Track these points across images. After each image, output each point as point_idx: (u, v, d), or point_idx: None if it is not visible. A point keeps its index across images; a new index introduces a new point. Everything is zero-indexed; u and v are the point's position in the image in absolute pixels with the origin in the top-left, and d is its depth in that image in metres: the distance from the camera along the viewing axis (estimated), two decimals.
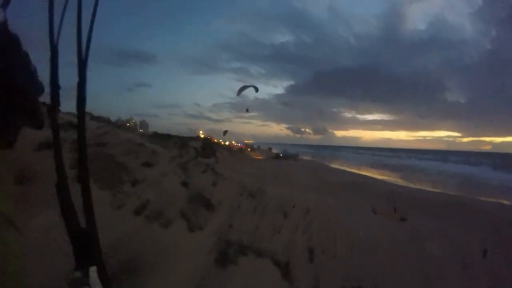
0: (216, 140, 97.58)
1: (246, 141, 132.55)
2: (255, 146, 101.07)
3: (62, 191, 1.03)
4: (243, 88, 31.06)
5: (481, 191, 29.78)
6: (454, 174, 45.41)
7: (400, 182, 35.58)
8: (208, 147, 31.50)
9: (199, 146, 29.10)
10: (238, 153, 50.99)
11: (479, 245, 13.76)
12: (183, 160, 13.58)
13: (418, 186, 30.85)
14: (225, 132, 53.38)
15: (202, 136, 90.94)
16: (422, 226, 17.24)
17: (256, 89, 31.39)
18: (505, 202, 23.03)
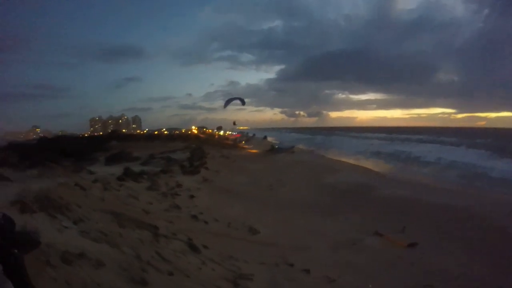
0: (210, 131, 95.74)
1: (240, 128, 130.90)
2: (250, 135, 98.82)
3: None
4: (230, 100, 29.12)
5: (484, 193, 27.64)
6: (453, 164, 43.33)
7: (400, 177, 33.73)
8: (196, 157, 28.93)
9: (187, 158, 26.55)
10: (232, 151, 48.23)
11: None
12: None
13: (420, 190, 28.33)
14: (234, 122, 53.14)
15: (195, 131, 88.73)
16: (433, 257, 15.20)
17: (243, 102, 29.51)
18: None
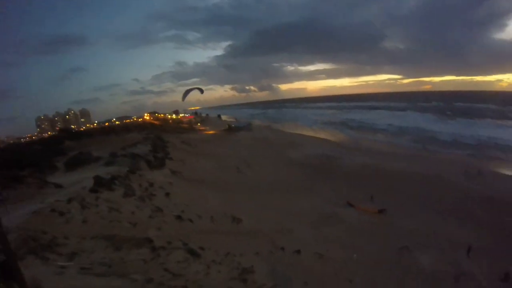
0: (162, 115, 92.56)
1: (192, 108, 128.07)
2: (204, 115, 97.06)
3: None
4: (187, 92, 28.24)
5: (438, 155, 30.08)
6: (403, 129, 46.33)
7: (358, 145, 35.43)
8: (159, 148, 27.98)
9: (149, 150, 25.58)
10: (190, 135, 47.21)
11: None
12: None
13: (378, 156, 30.05)
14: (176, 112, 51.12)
15: (147, 118, 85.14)
16: (403, 220, 16.37)
17: (201, 91, 28.78)
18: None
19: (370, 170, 24.45)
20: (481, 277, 11.18)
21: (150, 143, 29.91)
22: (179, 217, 11.62)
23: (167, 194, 15.06)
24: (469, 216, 16.20)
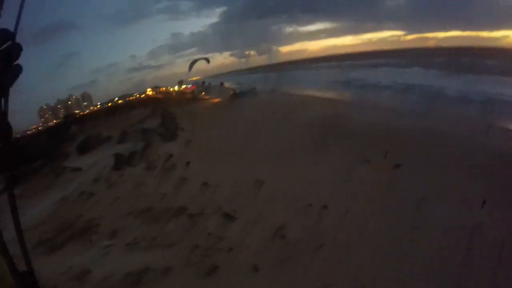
0: (164, 89, 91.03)
1: (193, 78, 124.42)
2: (206, 84, 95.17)
3: None
4: (193, 62, 27.43)
5: (447, 111, 29.28)
6: (409, 86, 44.79)
7: (366, 104, 34.60)
8: (168, 120, 27.76)
9: (159, 124, 25.42)
10: (195, 105, 46.56)
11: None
12: None
13: (388, 114, 29.25)
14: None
15: (150, 93, 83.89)
16: (418, 175, 16.22)
17: (208, 61, 27.87)
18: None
19: (380, 127, 24.03)
20: (495, 229, 11.23)
21: (159, 117, 29.69)
22: (205, 184, 11.65)
23: (188, 163, 15.09)
24: (481, 171, 16.09)
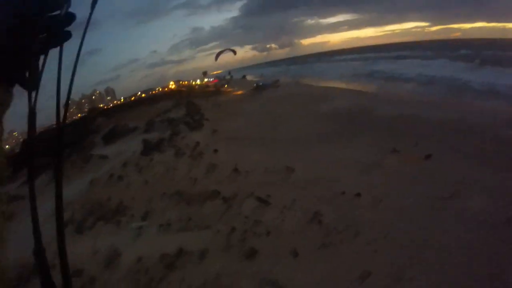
0: (186, 83, 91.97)
1: (215, 72, 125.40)
2: (228, 77, 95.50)
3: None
4: (220, 52, 27.46)
5: (474, 103, 27.96)
6: (434, 78, 43.47)
7: (391, 96, 33.78)
8: (193, 110, 27.72)
9: (184, 114, 25.39)
10: (219, 97, 46.73)
11: None
12: None
13: (415, 106, 28.37)
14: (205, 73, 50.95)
15: (173, 87, 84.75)
16: (448, 166, 15.50)
17: (234, 52, 27.86)
18: None
19: (407, 118, 23.25)
20: None
21: (183, 108, 29.72)
22: (236, 170, 11.37)
23: (215, 151, 14.87)
24: None
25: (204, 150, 14.50)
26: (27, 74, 0.85)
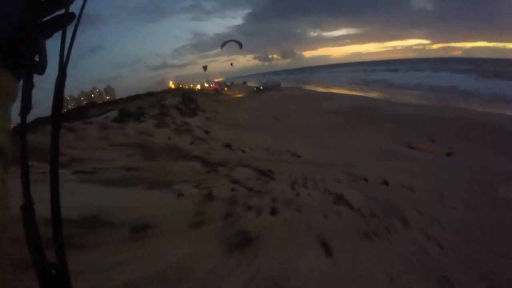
0: (186, 87, 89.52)
1: (216, 80, 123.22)
2: (228, 83, 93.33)
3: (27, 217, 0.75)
4: (226, 42, 25.90)
5: (480, 106, 26.01)
6: (437, 87, 41.97)
7: (396, 99, 31.86)
8: (188, 100, 25.14)
9: (179, 102, 22.81)
10: (218, 97, 44.40)
11: None
12: None
13: (421, 108, 26.59)
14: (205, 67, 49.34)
15: (172, 86, 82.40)
16: (473, 161, 13.43)
17: (240, 46, 26.40)
18: None
19: (417, 117, 21.49)
20: None
21: (180, 96, 27.14)
22: (228, 146, 8.83)
23: (207, 132, 12.27)
24: None
25: (194, 129, 11.91)
26: (36, 58, 0.76)
